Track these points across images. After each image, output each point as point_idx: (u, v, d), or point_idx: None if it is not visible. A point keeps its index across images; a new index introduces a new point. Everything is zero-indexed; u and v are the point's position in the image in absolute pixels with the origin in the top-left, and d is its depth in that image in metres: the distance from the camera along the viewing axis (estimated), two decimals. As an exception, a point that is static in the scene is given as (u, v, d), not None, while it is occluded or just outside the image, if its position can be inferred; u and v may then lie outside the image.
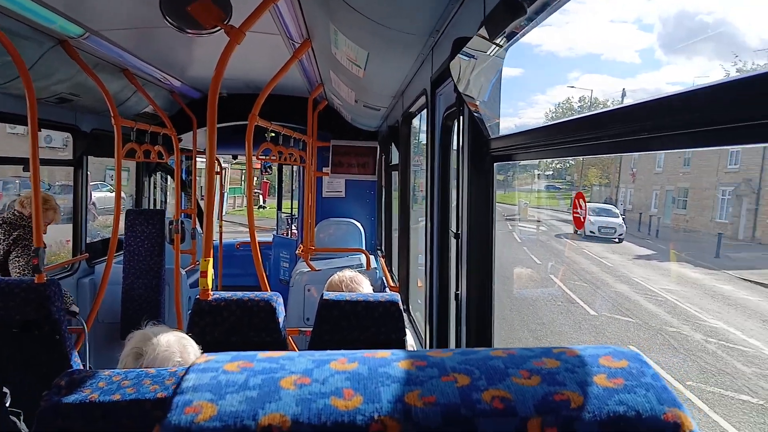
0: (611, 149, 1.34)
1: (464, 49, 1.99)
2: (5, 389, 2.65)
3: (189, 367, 0.63)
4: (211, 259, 3.05)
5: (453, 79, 2.25)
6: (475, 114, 2.19)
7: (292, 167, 10.23)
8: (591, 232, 17.53)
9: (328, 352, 0.67)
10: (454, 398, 0.58)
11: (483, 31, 1.62)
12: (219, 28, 2.82)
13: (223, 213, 9.95)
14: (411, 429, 0.55)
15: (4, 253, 4.59)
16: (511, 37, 1.64)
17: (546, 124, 1.64)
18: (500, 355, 0.65)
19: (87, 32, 3.70)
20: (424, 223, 3.58)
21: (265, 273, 3.91)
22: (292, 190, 11.35)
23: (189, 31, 2.88)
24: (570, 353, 0.66)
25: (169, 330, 2.09)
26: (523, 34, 1.62)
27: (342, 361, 0.63)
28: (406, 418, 0.56)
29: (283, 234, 9.57)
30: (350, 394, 0.58)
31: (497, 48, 1.77)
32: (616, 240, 17.39)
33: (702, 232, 15.47)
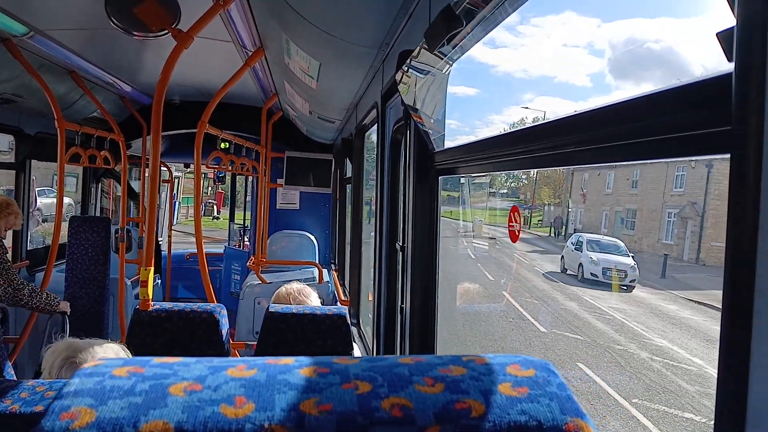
0: (553, 161, 1.35)
1: (412, 63, 2.00)
2: None
3: (76, 372, 0.60)
4: (152, 269, 2.98)
5: (400, 93, 2.25)
6: (421, 127, 2.20)
7: (247, 178, 10.11)
8: (592, 274, 13.50)
9: (230, 359, 0.64)
10: (351, 406, 0.56)
11: (425, 44, 1.63)
12: (166, 31, 2.78)
13: (174, 223, 9.73)
14: None
15: None
16: (453, 50, 1.65)
17: (487, 137, 1.66)
18: (408, 362, 0.64)
19: (31, 31, 3.59)
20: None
21: (216, 285, 3.84)
22: (246, 201, 11.22)
23: (135, 33, 2.82)
24: (479, 361, 0.65)
25: (101, 342, 2.03)
26: (465, 49, 1.64)
27: (241, 368, 0.61)
28: (298, 427, 0.54)
29: (235, 246, 9.43)
30: (242, 402, 0.56)
31: (441, 61, 1.78)
32: (625, 287, 13.33)
33: (649, 252, 15.91)
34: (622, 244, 14.46)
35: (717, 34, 0.71)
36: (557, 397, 0.59)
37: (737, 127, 0.65)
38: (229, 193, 10.80)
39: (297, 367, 0.61)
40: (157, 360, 0.62)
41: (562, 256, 15.28)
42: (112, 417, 0.53)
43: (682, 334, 11.97)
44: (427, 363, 0.64)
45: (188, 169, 10.75)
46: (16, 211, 4.35)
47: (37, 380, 1.91)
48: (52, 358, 1.93)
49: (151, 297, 2.92)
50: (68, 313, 4.54)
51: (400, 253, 2.63)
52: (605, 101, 1.06)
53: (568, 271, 14.51)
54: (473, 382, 0.60)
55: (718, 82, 0.73)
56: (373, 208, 3.75)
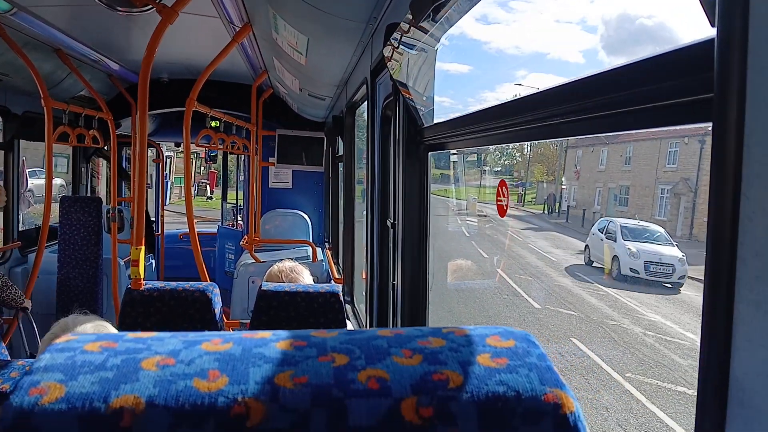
0: (541, 134, 1.33)
1: (398, 36, 1.98)
2: None
3: (47, 347, 0.59)
4: (143, 248, 2.97)
5: (388, 68, 2.23)
6: (410, 102, 2.18)
7: (239, 157, 10.06)
8: (633, 270, 11.08)
9: (205, 333, 0.63)
10: (327, 378, 0.55)
11: (410, 16, 1.60)
12: (150, 7, 2.73)
13: (166, 203, 9.70)
14: (277, 411, 0.53)
15: None
16: (438, 22, 1.62)
17: (475, 111, 1.64)
18: (387, 335, 0.63)
19: (14, 8, 3.52)
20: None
21: (211, 265, 3.83)
22: (238, 180, 11.18)
23: (119, 9, 2.77)
24: (459, 333, 0.64)
25: (92, 319, 2.02)
26: (452, 21, 1.62)
27: (216, 342, 0.60)
28: (273, 400, 0.53)
29: (228, 225, 9.41)
30: (215, 375, 0.55)
31: (427, 35, 1.75)
32: (669, 285, 10.87)
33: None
34: (661, 230, 11.89)
35: None
36: (537, 367, 0.59)
37: (719, 94, 0.64)
38: (221, 173, 10.74)
39: (274, 341, 0.61)
40: (131, 335, 0.61)
41: (587, 246, 13.64)
42: (82, 392, 0.52)
43: (675, 309, 12.06)
44: (406, 335, 0.63)
45: (180, 149, 10.68)
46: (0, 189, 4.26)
47: (27, 360, 1.91)
48: (46, 336, 1.94)
49: (143, 276, 2.91)
50: (29, 310, 4.53)
51: (392, 230, 2.62)
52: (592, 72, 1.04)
53: (595, 263, 12.55)
54: (452, 353, 0.60)
55: (701, 48, 0.72)
56: (365, 186, 3.74)
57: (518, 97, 1.37)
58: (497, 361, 0.59)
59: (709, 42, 0.67)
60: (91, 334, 0.61)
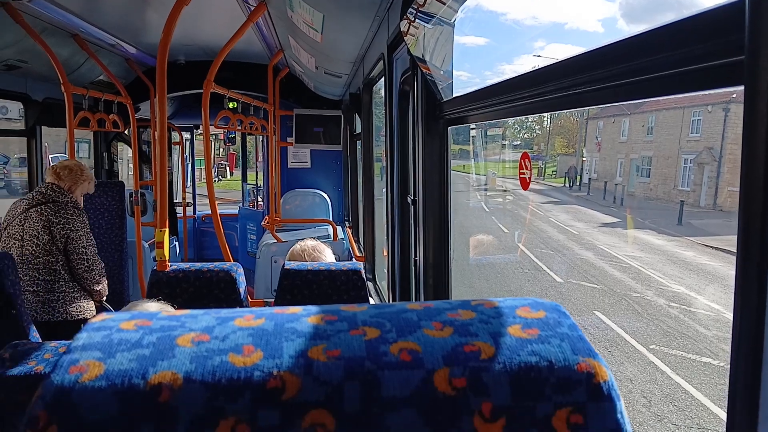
0: (564, 103, 1.31)
1: (416, 9, 1.95)
2: None
3: (83, 326, 0.60)
4: (167, 230, 3.00)
5: (406, 42, 2.21)
6: (428, 77, 2.16)
7: (257, 137, 10.09)
8: None
9: (237, 309, 0.64)
10: (359, 351, 0.56)
11: (428, -13, 1.58)
12: (167, -12, 2.73)
13: (188, 185, 9.79)
14: (311, 383, 0.54)
15: (50, 242, 3.74)
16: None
17: (495, 83, 1.62)
18: (416, 308, 0.64)
19: None
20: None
21: (233, 246, 3.86)
22: (257, 161, 11.23)
23: (136, -9, 2.78)
24: (488, 305, 0.64)
25: (154, 300, 2.12)
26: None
27: (248, 318, 0.61)
28: (307, 373, 0.54)
29: (249, 206, 9.48)
30: (250, 350, 0.56)
31: (445, 6, 1.73)
32: None
33: (665, 199, 15.80)
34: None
35: None
36: (568, 337, 0.59)
37: (751, 57, 0.62)
38: (240, 154, 10.79)
39: (305, 316, 0.62)
40: (164, 313, 0.63)
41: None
42: (121, 369, 0.53)
43: (700, 279, 11.96)
44: (435, 308, 0.64)
45: (199, 131, 10.74)
46: (90, 176, 4.06)
47: (60, 341, 1.95)
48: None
49: (168, 258, 2.95)
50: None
51: (412, 206, 2.62)
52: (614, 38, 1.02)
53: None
54: (482, 325, 0.60)
55: (731, 10, 0.70)
56: (384, 163, 3.74)
57: (539, 67, 1.34)
58: (528, 331, 0.60)
59: (738, 2, 0.65)
60: (125, 313, 0.63)
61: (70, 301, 3.77)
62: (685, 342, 9.29)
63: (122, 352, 0.55)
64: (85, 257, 3.78)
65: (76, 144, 5.20)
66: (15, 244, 3.75)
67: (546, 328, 0.60)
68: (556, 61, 1.27)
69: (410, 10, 1.96)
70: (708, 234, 13.87)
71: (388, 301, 3.60)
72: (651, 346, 9.10)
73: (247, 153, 10.73)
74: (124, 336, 0.57)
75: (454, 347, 0.57)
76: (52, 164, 4.12)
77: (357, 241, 6.44)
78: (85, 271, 3.79)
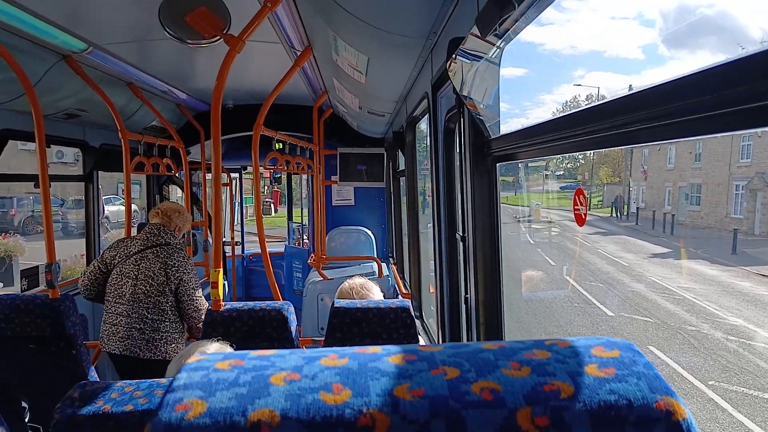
0: (614, 141, 1.32)
1: (461, 49, 1.98)
2: (24, 404, 2.67)
3: (181, 367, 0.63)
4: (221, 270, 3.06)
5: (452, 81, 2.23)
6: (475, 115, 2.18)
7: (302, 176, 10.26)
8: None
9: (321, 349, 0.67)
10: (442, 390, 0.58)
11: (476, 30, 1.60)
12: (219, 37, 2.83)
13: (235, 223, 9.99)
14: (399, 421, 0.55)
15: (162, 285, 3.89)
16: (504, 35, 1.62)
17: (544, 120, 1.62)
18: (491, 348, 0.66)
19: (90, 46, 3.73)
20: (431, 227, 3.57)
21: (280, 284, 3.90)
22: (302, 198, 11.39)
23: (189, 41, 2.88)
24: (562, 344, 0.66)
25: (214, 341, 2.19)
26: (517, 32, 1.61)
27: (333, 357, 0.64)
28: (394, 411, 0.56)
29: (295, 244, 9.59)
30: (339, 389, 0.58)
31: (493, 47, 1.75)
32: None
33: (717, 228, 15.32)
34: None
35: None
36: (645, 376, 0.60)
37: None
38: (286, 192, 10.97)
39: (385, 355, 0.64)
40: (254, 353, 0.66)
41: None
42: (222, 407, 0.56)
43: (758, 311, 11.48)
44: (510, 348, 0.65)
45: (246, 171, 10.99)
46: (188, 217, 4.25)
47: (125, 381, 2.00)
48: (176, 358, 2.09)
49: (222, 297, 3.00)
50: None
51: (461, 243, 2.61)
52: (661, 75, 1.02)
53: None
54: (559, 364, 0.62)
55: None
56: (428, 198, 3.76)
57: (591, 104, 1.35)
58: (605, 371, 0.61)
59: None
60: (218, 354, 0.66)
61: (171, 341, 3.90)
62: (746, 377, 8.90)
63: (221, 391, 0.58)
64: (194, 298, 3.94)
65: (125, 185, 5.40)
66: (128, 282, 3.90)
67: (622, 366, 0.61)
68: (606, 100, 1.27)
69: (456, 51, 1.99)
70: (765, 263, 13.36)
71: (438, 339, 3.57)
72: (710, 382, 8.74)
73: (292, 191, 10.90)
74: (221, 375, 0.61)
75: (534, 386, 0.59)
76: (156, 206, 4.34)
77: (402, 278, 6.43)
78: (194, 311, 3.93)
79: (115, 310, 3.90)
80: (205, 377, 0.60)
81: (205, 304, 3.98)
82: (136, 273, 3.92)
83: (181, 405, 0.57)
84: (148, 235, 4.00)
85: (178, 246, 4.03)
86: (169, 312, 3.89)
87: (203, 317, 3.81)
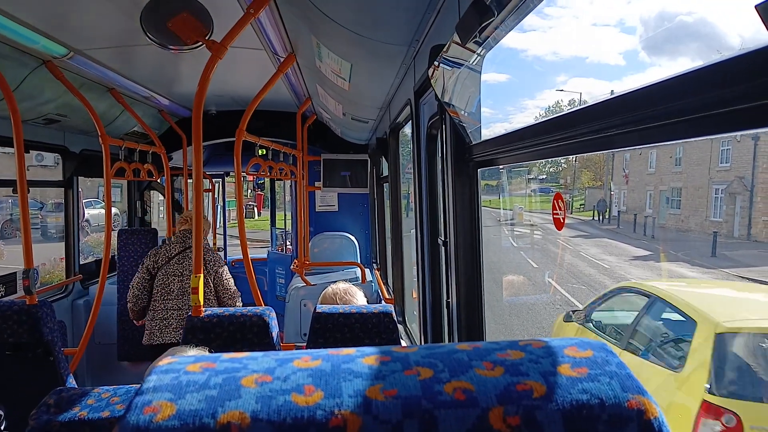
0: (594, 146, 1.33)
1: (442, 56, 2.00)
2: (0, 411, 2.64)
3: (151, 369, 0.63)
4: (201, 276, 3.04)
5: (434, 88, 2.25)
6: (457, 121, 2.20)
7: (285, 182, 10.24)
8: None
9: (294, 351, 0.67)
10: (415, 391, 0.58)
11: (456, 37, 1.62)
12: (201, 43, 2.82)
13: (218, 227, 9.93)
14: (371, 422, 0.56)
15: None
16: (485, 41, 1.64)
17: (524, 126, 1.64)
18: (466, 348, 0.66)
19: (71, 52, 3.70)
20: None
21: (262, 290, 3.90)
22: (285, 201, 11.36)
23: (171, 47, 2.87)
24: (536, 345, 0.66)
25: (193, 348, 2.18)
26: (498, 39, 1.63)
27: (306, 359, 0.64)
28: (366, 412, 0.56)
29: (278, 250, 9.56)
30: (311, 390, 0.58)
31: (474, 54, 1.77)
32: None
33: (697, 231, 15.50)
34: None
35: (756, 7, 0.70)
36: (617, 375, 0.61)
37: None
38: (269, 198, 10.93)
39: (359, 357, 0.64)
40: (226, 356, 0.66)
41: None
42: (191, 409, 0.56)
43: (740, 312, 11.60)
44: (484, 348, 0.66)
45: (229, 177, 10.94)
46: (210, 223, 4.95)
47: (102, 387, 1.99)
48: (154, 363, 2.09)
49: (202, 303, 2.99)
50: None
51: (443, 247, 2.63)
52: (642, 81, 1.04)
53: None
54: (532, 364, 0.62)
55: (761, 54, 0.72)
56: (412, 203, 3.77)
57: (571, 109, 1.37)
58: (578, 370, 0.61)
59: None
60: (189, 357, 0.66)
61: None
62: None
63: (191, 393, 0.58)
64: (229, 286, 4.69)
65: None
66: (174, 280, 4.67)
67: (594, 366, 0.62)
68: (586, 105, 1.29)
69: (438, 58, 2.01)
70: (744, 265, 13.52)
71: (420, 342, 3.58)
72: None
73: (276, 197, 10.86)
74: (192, 378, 0.60)
75: (507, 386, 0.59)
76: (182, 215, 5.12)
77: (385, 283, 6.43)
78: (229, 298, 4.67)
79: (164, 306, 4.66)
80: (176, 380, 0.60)
81: (237, 292, 4.71)
82: (181, 270, 4.65)
83: (150, 407, 0.56)
84: (183, 239, 4.72)
85: (208, 246, 5.02)
86: (212, 300, 4.60)
87: (238, 302, 4.64)
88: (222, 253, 9.77)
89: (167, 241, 4.85)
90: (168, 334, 4.59)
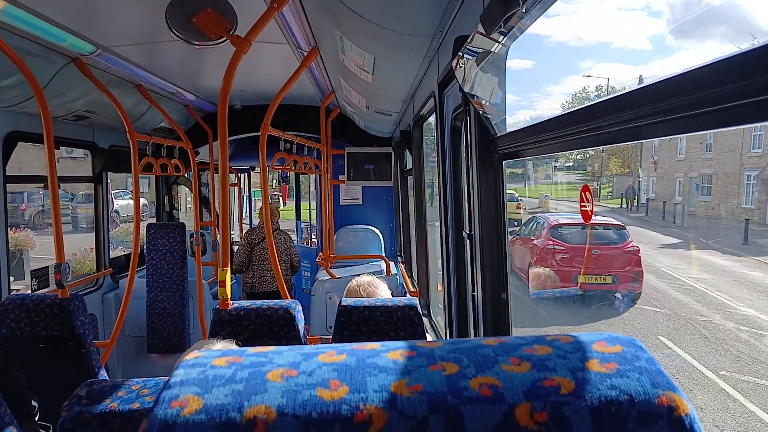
0: (622, 136, 1.31)
1: (466, 47, 1.98)
2: (34, 403, 2.71)
3: (178, 364, 0.64)
4: (229, 269, 3.07)
5: (457, 79, 2.23)
6: (481, 113, 2.18)
7: (309, 175, 10.29)
8: None
9: (319, 345, 0.67)
10: (441, 386, 0.58)
11: (481, 28, 1.61)
12: (225, 38, 2.83)
13: (243, 217, 10.04)
14: (396, 417, 0.55)
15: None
16: (509, 32, 1.62)
17: (549, 117, 1.62)
18: (491, 343, 0.65)
19: (98, 49, 3.75)
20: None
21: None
22: (310, 191, 11.42)
23: (196, 43, 2.89)
24: (564, 340, 0.65)
25: (221, 340, 2.21)
26: (522, 30, 1.61)
27: (331, 354, 0.64)
28: (392, 407, 0.56)
29: (303, 243, 9.62)
30: (336, 385, 0.58)
31: (498, 45, 1.75)
32: None
33: (728, 218, 15.21)
34: None
35: None
36: (647, 371, 0.60)
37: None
38: (294, 192, 11.01)
39: (384, 351, 0.64)
40: (251, 350, 0.66)
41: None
42: (218, 403, 0.56)
43: (770, 301, 11.41)
44: (510, 344, 0.65)
45: (255, 171, 11.03)
46: (278, 215, 7.01)
47: (132, 379, 2.03)
48: (182, 356, 2.11)
49: (229, 296, 3.02)
50: None
51: (468, 240, 2.61)
52: (669, 66, 1.01)
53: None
54: (560, 360, 0.61)
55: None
56: (435, 193, 3.77)
57: (598, 100, 1.34)
58: (606, 366, 0.60)
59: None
60: (215, 351, 0.66)
61: (289, 281, 6.80)
62: (757, 367, 8.85)
63: (218, 387, 0.58)
64: (298, 258, 6.93)
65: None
66: (267, 251, 6.56)
67: (624, 362, 0.61)
68: (614, 95, 1.26)
69: (462, 49, 1.99)
70: (776, 253, 13.26)
71: (445, 336, 3.58)
72: (721, 372, 8.70)
73: (300, 191, 10.92)
74: (218, 372, 0.61)
75: (534, 382, 0.58)
76: (259, 209, 7.13)
77: (410, 276, 6.44)
78: (298, 264, 6.93)
79: (261, 268, 6.74)
80: (202, 374, 0.60)
81: (301, 261, 7.13)
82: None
83: (177, 401, 0.57)
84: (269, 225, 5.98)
85: (283, 230, 6.94)
86: (290, 266, 6.82)
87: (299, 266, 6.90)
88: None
89: (258, 225, 6.97)
90: (265, 285, 6.69)
